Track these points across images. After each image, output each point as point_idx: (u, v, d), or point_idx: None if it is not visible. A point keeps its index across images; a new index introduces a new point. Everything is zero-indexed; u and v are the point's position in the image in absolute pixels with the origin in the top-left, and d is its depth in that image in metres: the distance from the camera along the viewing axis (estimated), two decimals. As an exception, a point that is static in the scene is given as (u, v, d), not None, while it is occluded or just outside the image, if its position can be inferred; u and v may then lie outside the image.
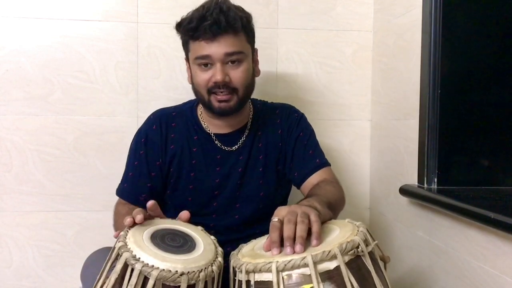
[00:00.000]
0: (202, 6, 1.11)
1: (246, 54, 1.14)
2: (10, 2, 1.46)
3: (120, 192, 1.23)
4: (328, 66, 1.63)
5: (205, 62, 1.11)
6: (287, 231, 0.83)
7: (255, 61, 1.22)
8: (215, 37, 1.09)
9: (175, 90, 1.54)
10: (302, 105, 1.61)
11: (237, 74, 1.13)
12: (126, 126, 1.51)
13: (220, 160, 1.21)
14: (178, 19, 1.16)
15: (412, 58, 1.34)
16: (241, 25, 1.11)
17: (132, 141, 1.25)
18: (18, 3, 1.47)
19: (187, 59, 1.20)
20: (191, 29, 1.11)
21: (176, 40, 1.52)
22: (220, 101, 1.13)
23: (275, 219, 0.87)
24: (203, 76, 1.13)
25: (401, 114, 1.43)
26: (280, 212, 0.88)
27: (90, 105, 1.51)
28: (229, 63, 1.12)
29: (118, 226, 1.14)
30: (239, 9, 1.15)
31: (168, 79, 1.54)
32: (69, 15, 1.49)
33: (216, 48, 1.09)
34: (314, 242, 0.82)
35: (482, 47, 1.24)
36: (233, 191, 1.21)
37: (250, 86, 1.18)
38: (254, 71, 1.21)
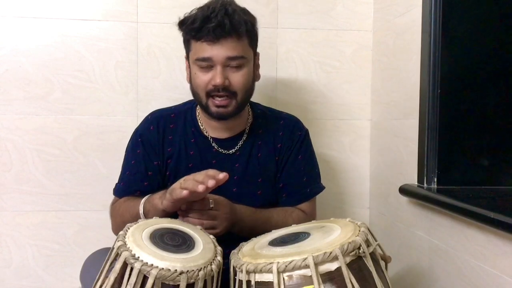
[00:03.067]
0: (207, 5, 1.09)
1: (248, 59, 1.14)
2: (9, 2, 1.46)
3: (116, 191, 1.23)
4: (328, 66, 1.63)
5: (206, 64, 1.10)
6: (196, 219, 1.01)
7: (255, 66, 1.20)
8: (218, 40, 1.08)
9: (175, 89, 1.54)
10: (302, 105, 1.61)
11: (237, 78, 1.12)
12: (126, 126, 1.51)
13: (215, 165, 1.19)
14: (181, 17, 1.14)
15: (412, 57, 1.34)
16: (245, 29, 1.10)
17: (129, 141, 1.25)
18: (18, 2, 1.46)
19: (187, 57, 1.18)
20: (193, 29, 1.09)
21: (176, 40, 1.52)
22: (218, 106, 1.12)
23: (211, 203, 1.02)
24: (203, 78, 1.12)
25: (401, 114, 1.43)
26: (221, 208, 1.04)
27: (90, 104, 1.51)
28: (230, 66, 1.11)
29: (122, 219, 1.12)
30: (245, 12, 1.13)
31: (167, 79, 1.54)
32: (69, 15, 1.49)
33: (218, 51, 1.08)
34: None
35: (482, 47, 1.24)
36: (229, 199, 1.15)
37: (249, 90, 1.17)
38: (254, 76, 1.19)
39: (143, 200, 1.08)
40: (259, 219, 1.14)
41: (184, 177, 1.00)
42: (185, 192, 0.94)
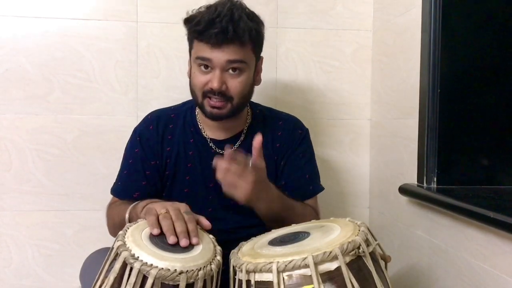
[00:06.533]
0: (215, 7, 1.08)
1: (248, 64, 1.12)
2: (10, 2, 1.46)
3: (114, 190, 1.22)
4: (328, 66, 1.63)
5: (205, 64, 1.10)
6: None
7: (257, 70, 1.19)
8: (220, 45, 1.06)
9: (175, 89, 1.54)
10: (302, 104, 1.61)
11: (234, 84, 1.10)
12: (126, 126, 1.50)
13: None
14: (189, 12, 1.12)
15: (412, 57, 1.33)
16: (248, 37, 1.08)
17: (128, 140, 1.24)
18: (18, 2, 1.46)
19: (189, 53, 1.18)
20: (196, 31, 1.08)
21: (176, 40, 1.53)
22: (213, 107, 1.12)
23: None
24: (201, 78, 1.11)
25: (401, 113, 1.43)
26: (256, 173, 0.98)
27: (89, 104, 1.51)
28: (230, 70, 1.10)
29: (113, 222, 1.14)
30: (251, 17, 1.11)
31: (167, 79, 1.54)
32: (68, 14, 1.49)
33: (219, 54, 1.07)
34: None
35: (482, 46, 1.24)
36: (227, 199, 1.11)
37: (246, 95, 1.16)
38: (254, 80, 1.18)
39: (130, 206, 1.06)
40: (286, 204, 1.10)
41: (166, 205, 0.94)
42: (156, 231, 0.87)
